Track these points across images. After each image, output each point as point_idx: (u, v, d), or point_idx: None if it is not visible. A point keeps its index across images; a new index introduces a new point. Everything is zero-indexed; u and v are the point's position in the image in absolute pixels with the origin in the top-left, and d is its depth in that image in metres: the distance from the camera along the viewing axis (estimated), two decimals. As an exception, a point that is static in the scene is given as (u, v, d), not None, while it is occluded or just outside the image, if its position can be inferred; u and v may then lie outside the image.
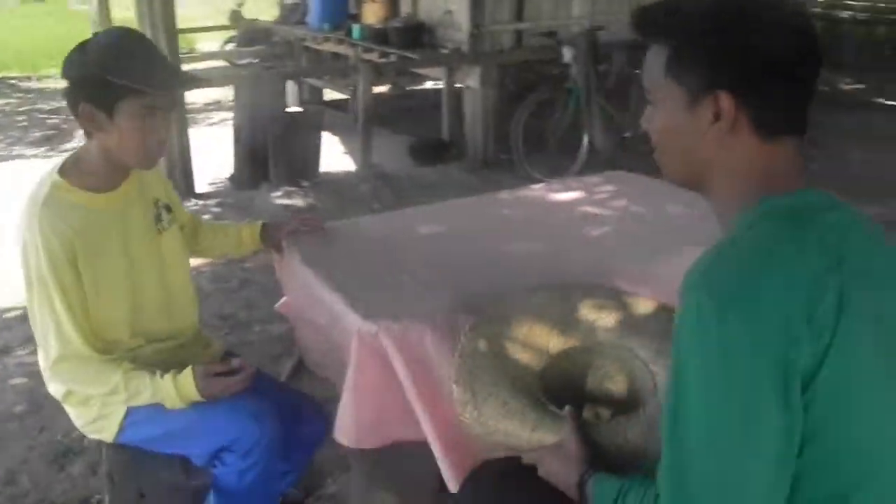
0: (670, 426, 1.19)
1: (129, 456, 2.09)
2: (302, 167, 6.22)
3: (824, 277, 1.13)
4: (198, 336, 2.32)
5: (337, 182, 6.37)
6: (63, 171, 1.99)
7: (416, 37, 7.12)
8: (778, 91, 1.23)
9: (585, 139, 6.65)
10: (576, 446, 1.56)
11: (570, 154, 6.63)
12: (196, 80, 2.36)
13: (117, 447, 2.11)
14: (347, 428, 1.92)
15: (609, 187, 2.90)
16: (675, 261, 1.95)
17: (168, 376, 1.98)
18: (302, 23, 9.19)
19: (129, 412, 2.04)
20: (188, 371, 1.99)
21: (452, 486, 1.84)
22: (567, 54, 6.61)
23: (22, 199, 1.99)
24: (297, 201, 5.90)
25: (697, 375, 1.15)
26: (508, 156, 6.98)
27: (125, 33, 2.03)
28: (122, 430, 2.06)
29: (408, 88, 10.89)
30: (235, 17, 11.47)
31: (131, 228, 2.09)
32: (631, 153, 7.03)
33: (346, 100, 9.16)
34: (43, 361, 2.03)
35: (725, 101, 1.22)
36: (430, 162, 6.98)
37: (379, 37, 7.27)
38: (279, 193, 5.99)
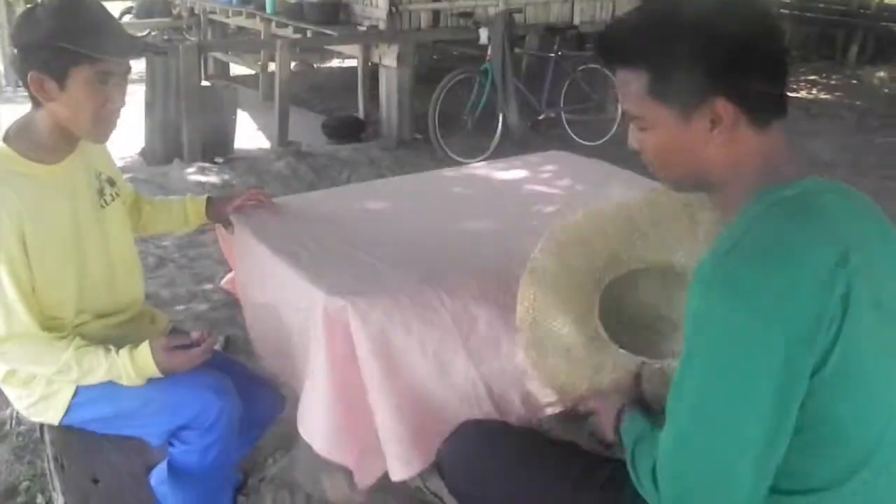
0: (673, 405, 1.26)
1: (77, 438, 2.00)
2: (216, 143, 6.08)
3: (832, 274, 1.18)
4: (143, 311, 2.23)
5: (252, 159, 6.25)
6: (7, 139, 1.88)
7: (332, 13, 7.03)
8: (763, 82, 1.27)
9: (500, 120, 6.71)
10: (615, 399, 1.64)
11: (485, 134, 6.69)
12: (152, 46, 2.26)
13: (64, 430, 2.01)
14: (314, 428, 1.87)
15: (551, 167, 2.92)
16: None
17: (124, 351, 1.89)
18: (209, -7, 8.99)
19: (78, 391, 1.95)
20: (145, 345, 1.91)
21: (398, 472, 1.85)
22: (483, 35, 6.66)
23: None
24: (213, 178, 5.75)
25: (703, 363, 1.22)
26: (423, 135, 7.01)
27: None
28: (69, 410, 1.97)
29: (315, 66, 10.79)
30: (132, -13, 11.11)
31: (78, 202, 2.00)
32: (543, 135, 7.17)
33: (253, 75, 9.00)
34: None
35: (722, 106, 1.25)
36: (345, 139, 6.93)
37: (294, 12, 7.14)
38: (193, 170, 5.84)
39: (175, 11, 10.86)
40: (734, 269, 1.20)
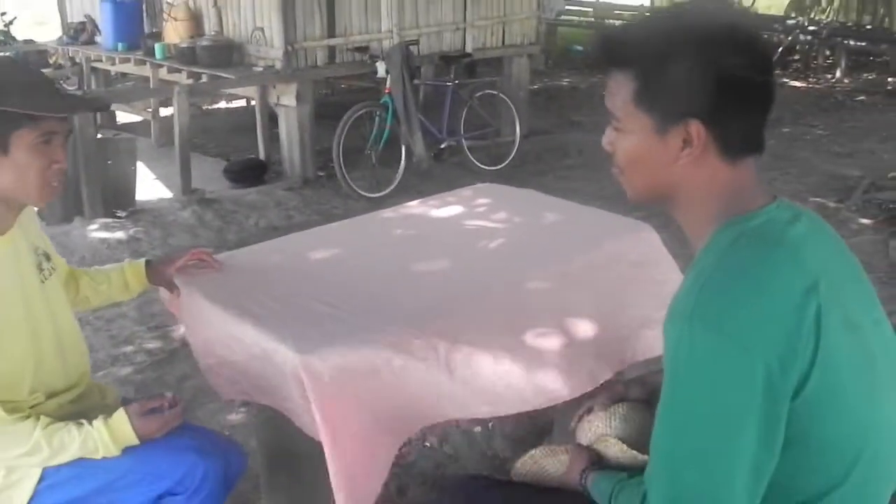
0: (659, 436, 1.29)
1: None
2: (117, 197, 5.88)
3: (803, 299, 1.23)
4: (91, 385, 2.15)
5: (156, 210, 6.06)
6: None
7: (226, 55, 6.91)
8: (740, 115, 1.31)
9: (403, 151, 6.73)
10: (580, 453, 1.67)
11: (389, 167, 6.70)
12: (97, 101, 2.18)
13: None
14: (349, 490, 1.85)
15: (484, 199, 2.95)
16: (577, 258, 2.04)
17: (97, 422, 1.82)
18: (91, 42, 8.71)
19: (45, 475, 1.85)
20: (120, 412, 1.85)
21: None
22: (381, 69, 6.68)
23: None
24: (118, 234, 5.55)
25: (684, 398, 1.25)
26: (326, 172, 6.97)
27: (5, 59, 1.84)
28: (35, 496, 1.86)
29: (204, 108, 10.59)
30: (5, 37, 10.62)
31: (23, 276, 1.92)
32: (446, 163, 7.23)
33: (142, 122, 8.76)
34: None
35: (695, 129, 1.29)
36: (248, 183, 6.81)
37: (186, 56, 6.98)
38: (95, 226, 5.62)
39: (52, 61, 10.46)
40: (708, 302, 1.23)
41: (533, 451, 1.76)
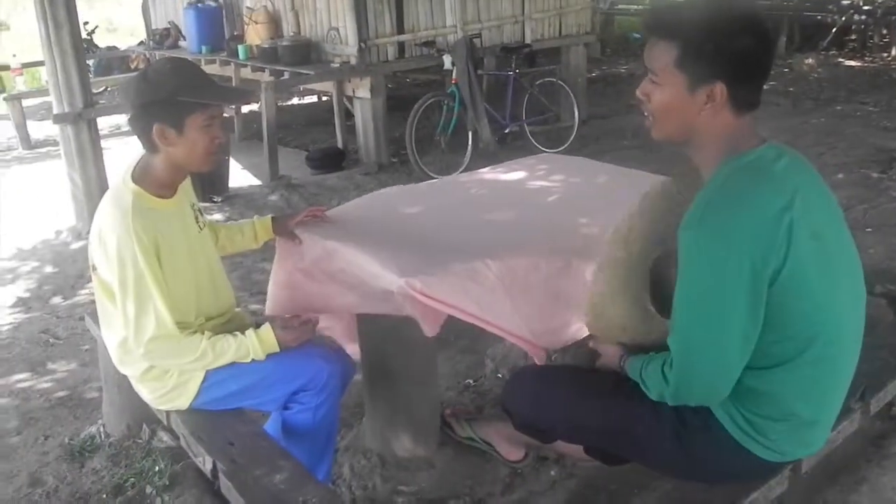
0: (677, 312, 1.81)
1: (203, 417, 2.47)
2: (212, 184, 6.51)
3: (780, 214, 1.72)
4: (236, 313, 2.72)
5: (247, 195, 6.69)
6: (135, 180, 2.36)
7: (305, 53, 7.53)
8: (749, 79, 1.79)
9: (470, 137, 7.26)
10: (618, 348, 2.17)
11: (457, 152, 7.23)
12: (249, 92, 2.73)
13: (191, 413, 2.49)
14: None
15: (543, 166, 3.46)
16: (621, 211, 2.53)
17: (249, 331, 2.40)
18: (175, 47, 9.41)
19: (207, 376, 2.43)
20: (266, 325, 2.43)
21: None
22: (447, 61, 7.23)
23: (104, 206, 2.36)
24: (216, 216, 6.19)
25: (694, 281, 1.77)
26: (399, 158, 7.53)
27: (179, 60, 2.42)
28: (198, 394, 2.45)
29: (279, 104, 11.23)
30: (88, 45, 11.31)
31: (187, 227, 2.49)
32: (510, 147, 7.71)
33: (225, 119, 9.43)
34: (132, 342, 2.35)
35: (719, 89, 1.77)
36: (328, 169, 7.40)
37: (268, 56, 7.61)
38: (196, 210, 6.25)
39: (133, 66, 11.02)
40: (711, 216, 1.74)
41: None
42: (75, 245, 5.86)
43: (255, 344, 2.40)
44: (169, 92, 2.26)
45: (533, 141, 7.69)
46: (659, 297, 2.11)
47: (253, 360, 2.41)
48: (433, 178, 6.88)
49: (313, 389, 2.43)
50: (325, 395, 2.44)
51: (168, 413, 2.56)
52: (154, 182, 2.38)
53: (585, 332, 2.37)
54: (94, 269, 2.45)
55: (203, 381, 2.44)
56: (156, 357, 2.39)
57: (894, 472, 2.80)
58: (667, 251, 2.04)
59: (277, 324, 2.45)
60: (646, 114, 1.90)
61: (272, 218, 2.88)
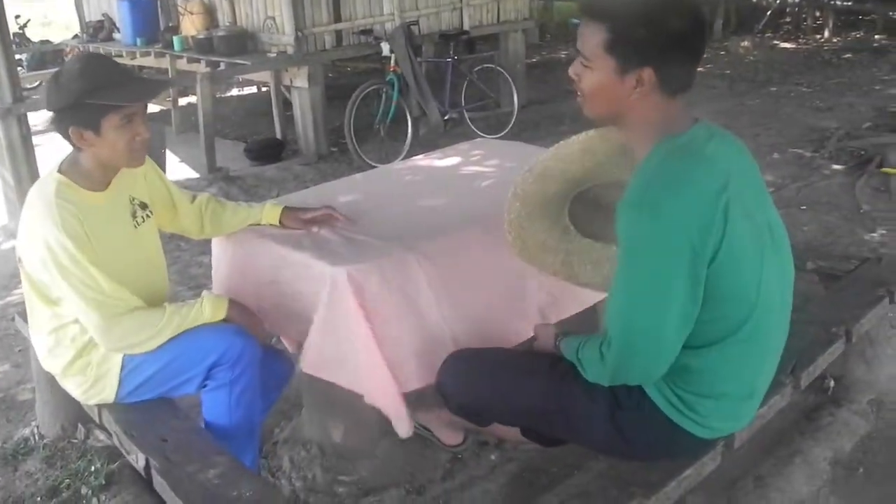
0: (617, 292, 1.83)
1: (135, 412, 2.42)
2: (149, 178, 6.39)
3: (717, 195, 1.74)
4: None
5: (184, 188, 6.56)
6: (62, 171, 2.31)
7: (241, 44, 7.43)
8: (681, 64, 1.81)
9: (410, 124, 7.24)
10: (553, 328, 2.21)
11: (397, 140, 7.21)
12: (164, 83, 2.67)
13: (121, 407, 2.44)
14: (313, 360, 2.41)
15: (478, 151, 3.46)
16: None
17: (205, 293, 2.44)
18: (109, 39, 9.23)
19: (125, 363, 2.38)
20: (225, 298, 2.45)
21: (403, 428, 2.41)
22: (385, 49, 7.19)
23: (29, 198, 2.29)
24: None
25: (635, 262, 1.78)
26: (338, 147, 7.49)
27: (90, 58, 2.35)
28: (121, 384, 2.40)
29: (217, 95, 11.08)
30: (20, 40, 11.08)
31: (119, 223, 2.44)
32: (449, 134, 7.71)
33: (160, 112, 9.26)
34: (93, 331, 2.31)
35: (647, 74, 1.78)
36: (267, 160, 7.33)
37: (203, 46, 7.49)
38: (132, 204, 6.14)
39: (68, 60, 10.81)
40: (650, 196, 1.75)
41: None
42: (7, 245, 5.72)
43: (208, 301, 2.40)
44: (77, 96, 2.20)
45: (473, 127, 7.70)
46: (590, 227, 2.20)
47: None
48: (373, 166, 6.86)
49: (227, 363, 2.37)
50: (239, 370, 2.38)
51: (100, 410, 2.51)
52: (82, 174, 2.33)
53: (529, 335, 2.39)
54: (20, 261, 2.40)
55: (122, 370, 2.40)
56: (120, 335, 2.32)
57: (827, 444, 2.87)
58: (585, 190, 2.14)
59: (238, 303, 2.45)
60: (577, 93, 1.91)
61: (284, 208, 2.75)
